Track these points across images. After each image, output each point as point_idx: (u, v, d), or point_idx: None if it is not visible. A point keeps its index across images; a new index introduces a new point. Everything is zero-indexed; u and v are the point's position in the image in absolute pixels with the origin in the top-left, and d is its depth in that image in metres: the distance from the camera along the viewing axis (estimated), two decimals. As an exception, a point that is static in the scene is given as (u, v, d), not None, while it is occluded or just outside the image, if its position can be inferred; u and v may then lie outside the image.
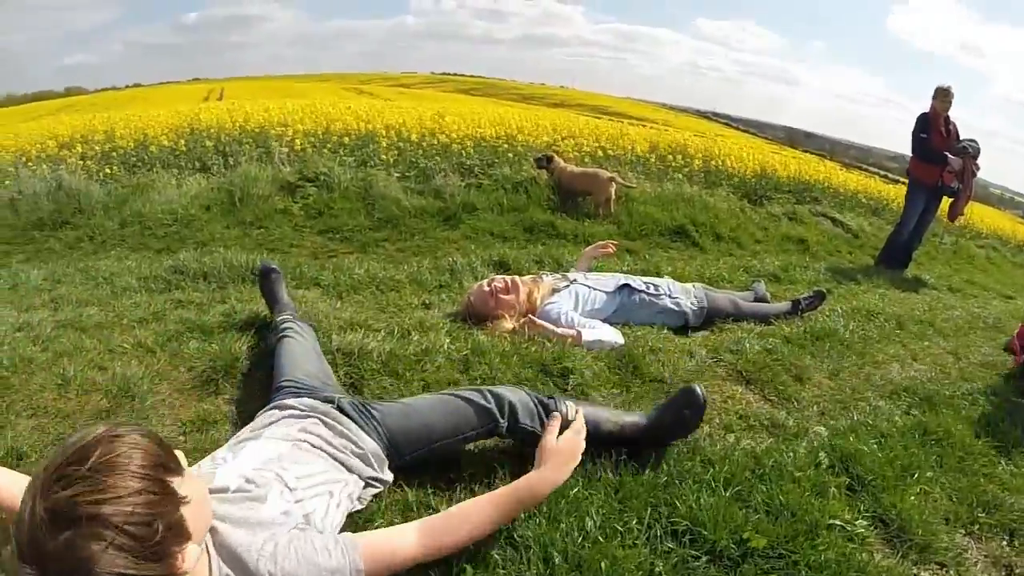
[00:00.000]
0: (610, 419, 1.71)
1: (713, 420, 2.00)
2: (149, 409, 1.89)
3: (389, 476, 1.49)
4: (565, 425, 1.49)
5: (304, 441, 1.38)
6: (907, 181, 5.93)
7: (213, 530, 1.08)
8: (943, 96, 5.39)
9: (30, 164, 6.62)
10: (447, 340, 2.29)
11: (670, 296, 2.88)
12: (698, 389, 1.71)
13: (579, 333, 2.45)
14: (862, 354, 2.86)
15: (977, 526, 1.70)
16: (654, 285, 2.91)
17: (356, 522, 1.40)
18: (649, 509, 1.47)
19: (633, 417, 1.75)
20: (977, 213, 11.41)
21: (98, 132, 7.73)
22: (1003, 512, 1.76)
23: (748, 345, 2.58)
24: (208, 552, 1.06)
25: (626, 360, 2.30)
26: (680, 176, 7.47)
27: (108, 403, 1.89)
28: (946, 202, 5.80)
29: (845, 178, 10.52)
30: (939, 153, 5.35)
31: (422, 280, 3.47)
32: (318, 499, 1.26)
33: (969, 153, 5.39)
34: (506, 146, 7.20)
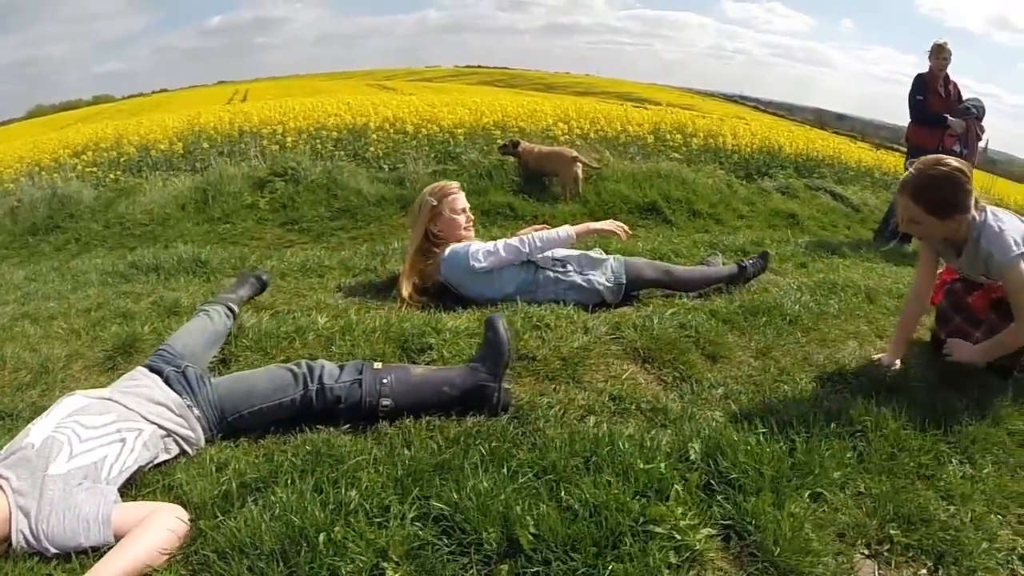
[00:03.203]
0: (431, 372, 1.80)
1: (575, 401, 1.80)
2: (59, 383, 2.12)
3: (199, 431, 1.65)
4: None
5: (108, 399, 1.57)
6: (905, 150, 5.58)
7: (18, 491, 1.30)
8: (938, 52, 5.02)
9: (43, 173, 6.90)
10: (322, 319, 2.30)
11: (579, 272, 2.70)
12: (495, 316, 1.87)
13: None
14: (808, 330, 2.54)
15: (888, 546, 1.33)
16: (561, 261, 2.74)
17: (163, 470, 1.56)
18: (418, 488, 1.34)
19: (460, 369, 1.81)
20: (1001, 189, 10.76)
21: (107, 139, 8.01)
22: (931, 528, 1.36)
23: (657, 320, 2.34)
24: (9, 507, 1.28)
25: (501, 337, 2.16)
26: (677, 155, 7.30)
27: (31, 378, 2.15)
28: None
29: (860, 154, 10.09)
30: (938, 115, 4.99)
31: (351, 265, 3.44)
32: (110, 446, 1.45)
33: (972, 114, 5.01)
34: (498, 132, 7.20)
